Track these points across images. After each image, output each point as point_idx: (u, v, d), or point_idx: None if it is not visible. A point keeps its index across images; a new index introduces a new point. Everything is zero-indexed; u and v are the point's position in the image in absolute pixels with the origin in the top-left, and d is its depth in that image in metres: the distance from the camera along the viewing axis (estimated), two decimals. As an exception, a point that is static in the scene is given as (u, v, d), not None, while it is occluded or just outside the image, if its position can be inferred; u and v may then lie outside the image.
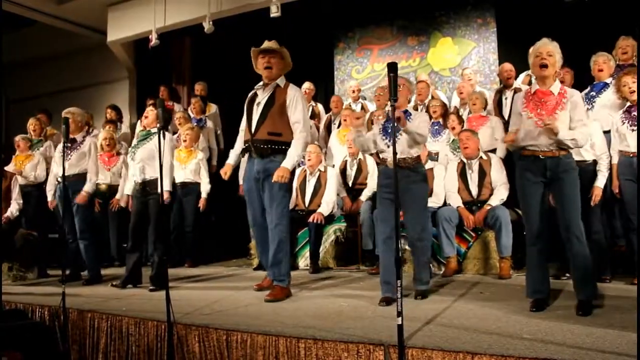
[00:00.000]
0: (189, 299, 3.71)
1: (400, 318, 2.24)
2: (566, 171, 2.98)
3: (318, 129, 6.48)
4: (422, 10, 7.37)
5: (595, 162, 3.99)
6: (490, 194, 4.51)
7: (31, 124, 6.15)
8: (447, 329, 2.57)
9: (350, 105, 6.41)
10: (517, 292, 3.52)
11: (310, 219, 5.02)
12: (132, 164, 4.39)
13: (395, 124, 3.48)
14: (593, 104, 4.24)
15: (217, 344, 2.79)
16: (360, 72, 7.79)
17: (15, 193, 5.36)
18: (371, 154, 5.48)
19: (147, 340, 3.08)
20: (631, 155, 3.76)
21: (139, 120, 5.64)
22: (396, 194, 2.62)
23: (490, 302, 3.24)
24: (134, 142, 4.52)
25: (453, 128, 5.14)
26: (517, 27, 6.50)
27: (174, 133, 6.45)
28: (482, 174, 4.56)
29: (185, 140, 5.92)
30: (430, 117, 5.37)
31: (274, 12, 6.11)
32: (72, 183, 4.63)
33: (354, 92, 6.66)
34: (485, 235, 4.56)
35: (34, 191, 5.68)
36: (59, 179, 4.63)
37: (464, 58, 7.13)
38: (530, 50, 3.13)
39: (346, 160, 5.47)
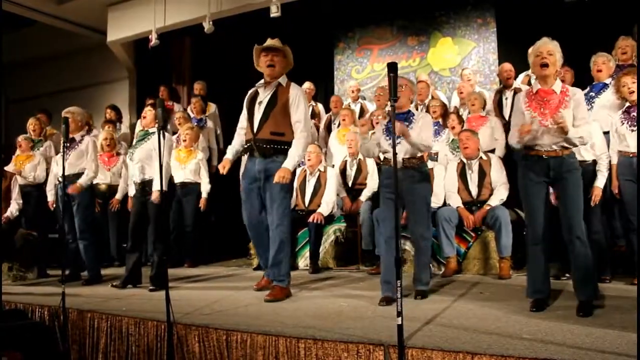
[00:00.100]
0: (189, 299, 3.71)
1: (400, 318, 2.24)
2: (570, 171, 2.98)
3: (318, 128, 6.48)
4: (422, 10, 7.37)
5: (595, 162, 3.99)
6: (490, 194, 4.51)
7: (31, 123, 6.14)
8: (446, 329, 2.57)
9: (349, 105, 6.41)
10: (517, 292, 3.52)
11: (310, 219, 5.02)
12: (131, 164, 4.39)
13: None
14: (592, 104, 4.24)
15: (217, 344, 2.79)
16: (360, 72, 7.79)
17: (15, 193, 5.36)
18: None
19: (147, 340, 3.08)
20: (631, 155, 3.76)
21: (139, 121, 5.64)
22: (396, 194, 2.62)
23: (490, 302, 3.24)
24: (134, 142, 4.53)
25: (453, 128, 5.14)
26: (517, 27, 6.50)
27: (174, 133, 6.46)
28: (482, 174, 4.56)
29: (185, 140, 5.92)
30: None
31: (274, 12, 6.11)
32: (71, 183, 4.62)
33: (353, 92, 6.66)
34: (485, 236, 4.56)
35: (33, 191, 5.68)
36: (60, 179, 4.63)
37: (464, 58, 7.13)
38: (531, 49, 3.13)
39: (346, 161, 5.47)
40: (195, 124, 6.55)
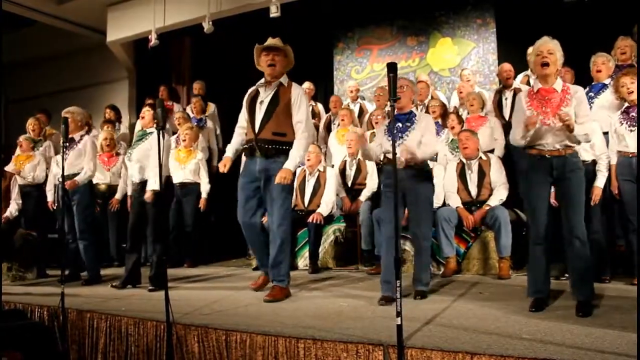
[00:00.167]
0: (188, 299, 3.71)
1: (399, 318, 2.24)
2: (573, 171, 2.97)
3: (317, 128, 6.48)
4: (422, 11, 7.37)
5: (594, 162, 3.99)
6: (490, 194, 4.51)
7: (30, 123, 6.14)
8: (446, 329, 2.57)
9: (348, 105, 6.42)
10: (517, 292, 3.52)
11: (310, 219, 5.02)
12: (130, 164, 4.39)
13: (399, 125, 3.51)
14: (591, 104, 4.23)
15: (217, 344, 2.79)
16: (359, 72, 7.79)
17: (15, 193, 5.36)
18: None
19: (146, 341, 3.08)
20: (630, 155, 3.76)
21: (138, 121, 5.65)
22: (396, 194, 2.62)
23: (489, 302, 3.24)
24: (133, 142, 4.53)
25: (452, 128, 5.14)
26: (517, 27, 6.50)
27: (174, 133, 6.46)
28: (482, 174, 4.56)
29: (184, 140, 5.92)
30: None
31: (274, 12, 6.11)
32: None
33: (352, 92, 6.66)
34: (484, 236, 4.56)
35: (33, 191, 5.67)
36: (59, 179, 4.63)
37: (464, 58, 7.13)
38: (531, 49, 3.13)
39: (345, 161, 5.47)
40: (195, 124, 6.55)
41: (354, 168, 5.37)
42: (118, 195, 5.81)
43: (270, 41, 3.70)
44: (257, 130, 3.64)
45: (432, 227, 4.32)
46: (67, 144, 4.53)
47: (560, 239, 3.06)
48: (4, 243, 4.96)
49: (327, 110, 6.87)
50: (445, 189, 4.71)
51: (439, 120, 5.51)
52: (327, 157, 5.95)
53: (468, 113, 5.41)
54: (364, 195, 5.21)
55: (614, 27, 4.84)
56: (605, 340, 2.28)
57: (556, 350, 2.13)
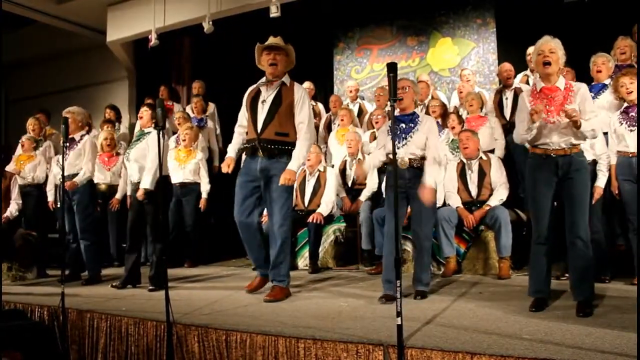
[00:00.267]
0: (189, 299, 3.72)
1: (399, 318, 2.24)
2: (577, 170, 2.96)
3: (317, 128, 6.48)
4: (422, 11, 7.37)
5: (594, 162, 3.99)
6: (490, 195, 4.51)
7: (30, 123, 6.14)
8: (446, 329, 2.57)
9: (348, 105, 6.42)
10: (517, 292, 3.53)
11: (310, 219, 5.02)
12: (128, 164, 4.40)
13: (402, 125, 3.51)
14: (591, 105, 4.24)
15: (217, 344, 2.79)
16: (359, 72, 7.79)
17: (15, 193, 5.37)
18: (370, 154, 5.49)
19: (146, 341, 3.08)
20: (630, 155, 3.76)
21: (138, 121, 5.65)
22: (396, 194, 2.63)
23: (489, 302, 3.25)
24: (131, 142, 4.54)
25: (453, 128, 5.14)
26: (517, 27, 6.50)
27: (174, 133, 6.46)
28: (482, 174, 4.56)
29: (184, 140, 5.92)
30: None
31: (274, 12, 6.10)
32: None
33: (351, 92, 6.66)
34: (484, 236, 4.56)
35: (33, 191, 5.67)
36: (60, 179, 4.63)
37: (464, 58, 7.12)
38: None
39: (345, 160, 5.47)
40: (196, 124, 6.55)
41: (354, 168, 5.37)
42: (118, 195, 5.81)
43: (271, 40, 3.68)
44: (259, 130, 3.62)
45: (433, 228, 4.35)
46: (68, 144, 4.53)
47: (561, 239, 3.06)
48: (4, 243, 4.96)
49: (327, 110, 6.87)
50: (446, 189, 4.71)
51: (439, 121, 5.50)
52: (327, 157, 5.95)
53: (468, 113, 5.41)
54: (364, 195, 5.21)
55: (614, 27, 4.84)
56: (605, 340, 2.28)
57: (556, 350, 2.13)
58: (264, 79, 3.74)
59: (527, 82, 5.55)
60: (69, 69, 8.82)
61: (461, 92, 5.88)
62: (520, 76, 5.70)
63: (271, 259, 3.65)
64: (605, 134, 4.04)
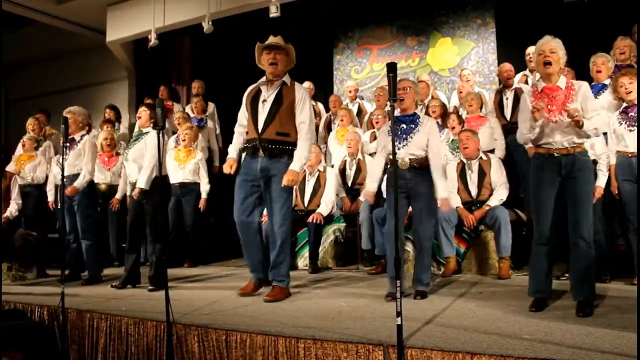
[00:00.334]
0: (189, 299, 3.72)
1: (399, 318, 2.24)
2: (581, 170, 2.95)
3: (317, 128, 6.48)
4: (422, 11, 7.37)
5: (594, 162, 3.99)
6: (490, 195, 4.51)
7: (30, 123, 6.14)
8: (446, 329, 2.57)
9: (347, 105, 6.42)
10: (517, 292, 3.53)
11: (310, 219, 5.02)
12: (127, 164, 4.40)
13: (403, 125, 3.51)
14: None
15: (217, 344, 2.79)
16: (359, 72, 7.79)
17: (15, 193, 5.36)
18: (370, 154, 5.49)
19: (146, 341, 3.08)
20: (629, 155, 3.76)
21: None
22: (396, 194, 2.63)
23: (489, 302, 3.25)
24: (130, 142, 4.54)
25: (453, 128, 5.14)
26: (517, 27, 6.51)
27: (173, 133, 6.46)
28: (482, 174, 4.56)
29: (184, 140, 5.92)
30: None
31: (274, 12, 6.10)
32: (69, 183, 4.62)
33: (351, 92, 6.66)
34: (484, 236, 4.56)
35: (33, 191, 5.66)
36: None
37: (463, 58, 7.13)
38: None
39: (345, 160, 5.47)
40: (196, 124, 6.55)
41: (353, 168, 5.37)
42: (118, 195, 5.80)
43: (271, 39, 3.67)
44: (260, 129, 3.60)
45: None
46: (68, 144, 4.53)
47: (561, 239, 3.06)
48: (3, 243, 4.96)
49: (327, 110, 6.87)
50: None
51: (439, 121, 5.50)
52: (326, 157, 5.95)
53: (467, 113, 5.41)
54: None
55: (614, 27, 4.84)
56: (605, 340, 2.28)
57: (556, 350, 2.13)
58: (264, 79, 3.72)
59: (526, 82, 5.55)
60: (69, 69, 8.82)
61: (461, 92, 5.88)
62: (519, 76, 5.70)
63: (271, 259, 3.65)
64: (605, 134, 4.04)
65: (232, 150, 3.81)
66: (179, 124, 6.31)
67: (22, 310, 3.71)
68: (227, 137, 6.75)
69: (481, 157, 4.62)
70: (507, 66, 5.52)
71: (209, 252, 6.21)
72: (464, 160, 4.65)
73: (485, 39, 7.01)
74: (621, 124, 3.83)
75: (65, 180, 4.33)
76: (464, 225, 4.48)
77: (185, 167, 5.85)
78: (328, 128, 6.45)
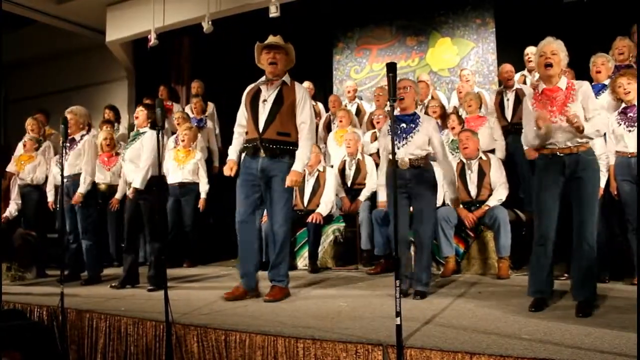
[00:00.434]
0: (188, 299, 3.71)
1: (398, 318, 2.24)
2: (586, 170, 2.94)
3: (317, 127, 6.47)
4: (421, 11, 7.37)
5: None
6: (490, 195, 4.51)
7: (29, 124, 6.13)
8: (445, 329, 2.57)
9: (346, 106, 6.41)
10: (516, 292, 3.53)
11: (309, 219, 5.02)
12: (124, 164, 4.40)
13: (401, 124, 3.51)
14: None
15: (216, 344, 2.79)
16: (359, 72, 7.79)
17: (14, 193, 5.36)
18: (371, 155, 5.50)
19: (145, 341, 3.08)
20: (629, 155, 3.76)
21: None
22: (395, 194, 2.62)
23: (488, 302, 3.24)
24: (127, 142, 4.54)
25: (453, 128, 5.14)
26: (516, 27, 6.51)
27: (173, 133, 6.46)
28: (482, 174, 4.56)
29: (183, 140, 5.92)
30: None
31: (273, 12, 6.10)
32: (71, 183, 4.62)
33: (350, 92, 6.66)
34: (483, 236, 4.57)
35: (33, 191, 5.67)
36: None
37: (463, 58, 7.13)
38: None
39: (345, 160, 5.47)
40: (195, 124, 6.55)
41: (353, 168, 5.37)
42: (118, 195, 5.77)
43: (271, 39, 3.66)
44: (261, 129, 3.58)
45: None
46: (68, 145, 4.52)
47: (561, 239, 3.05)
48: (3, 243, 4.96)
49: (327, 109, 6.87)
50: (445, 189, 4.71)
51: (439, 121, 5.50)
52: (325, 158, 5.95)
53: (467, 113, 5.42)
54: (364, 195, 5.21)
55: (614, 27, 4.85)
56: (604, 340, 2.28)
57: (556, 350, 2.13)
58: (263, 78, 3.70)
59: (525, 82, 5.55)
60: (69, 69, 8.83)
61: (460, 92, 5.88)
62: (517, 76, 5.70)
63: (271, 259, 3.65)
64: (604, 134, 4.04)
65: (232, 152, 3.78)
66: (178, 124, 6.31)
67: (21, 310, 3.70)
68: (226, 137, 6.74)
69: (481, 157, 4.62)
70: (508, 67, 5.52)
71: (208, 252, 6.20)
72: (464, 160, 4.65)
73: (484, 39, 7.01)
74: (620, 124, 3.83)
75: (65, 180, 4.33)
76: (464, 225, 4.48)
77: (185, 167, 5.85)
78: (328, 128, 6.45)
